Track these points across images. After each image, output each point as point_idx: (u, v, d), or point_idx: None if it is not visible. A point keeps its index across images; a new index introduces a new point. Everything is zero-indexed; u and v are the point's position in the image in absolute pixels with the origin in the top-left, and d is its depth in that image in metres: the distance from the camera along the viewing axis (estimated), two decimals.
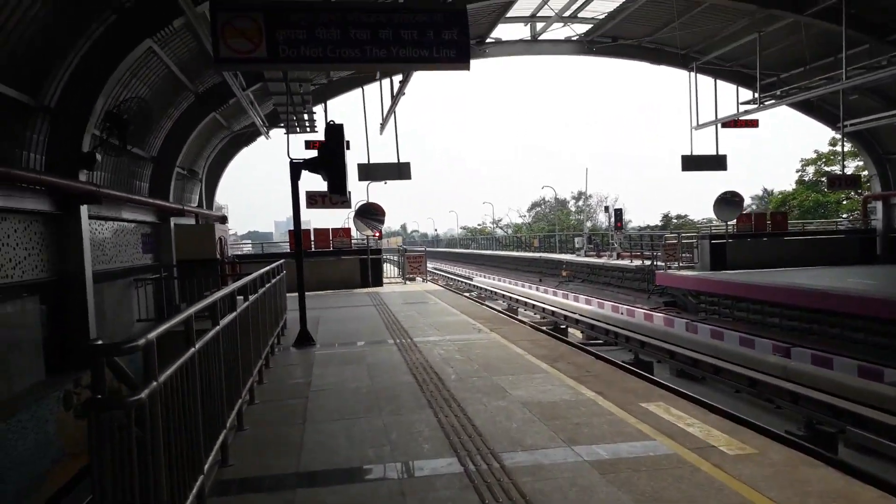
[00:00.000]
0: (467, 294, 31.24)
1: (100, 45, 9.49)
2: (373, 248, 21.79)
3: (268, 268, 9.85)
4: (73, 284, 9.18)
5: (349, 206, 18.90)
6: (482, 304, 23.36)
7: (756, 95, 23.40)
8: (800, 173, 38.18)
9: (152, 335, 2.89)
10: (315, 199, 17.92)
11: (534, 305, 24.35)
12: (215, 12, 6.41)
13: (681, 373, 14.47)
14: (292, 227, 25.24)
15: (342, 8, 6.77)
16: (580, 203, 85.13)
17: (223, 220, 20.62)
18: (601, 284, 31.99)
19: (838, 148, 36.41)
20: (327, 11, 6.69)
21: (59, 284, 9.05)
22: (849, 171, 36.30)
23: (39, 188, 8.27)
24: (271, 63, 6.76)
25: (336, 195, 10.46)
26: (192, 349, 3.75)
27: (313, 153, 10.44)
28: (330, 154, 9.96)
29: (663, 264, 24.41)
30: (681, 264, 23.84)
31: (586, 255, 36.32)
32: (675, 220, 50.82)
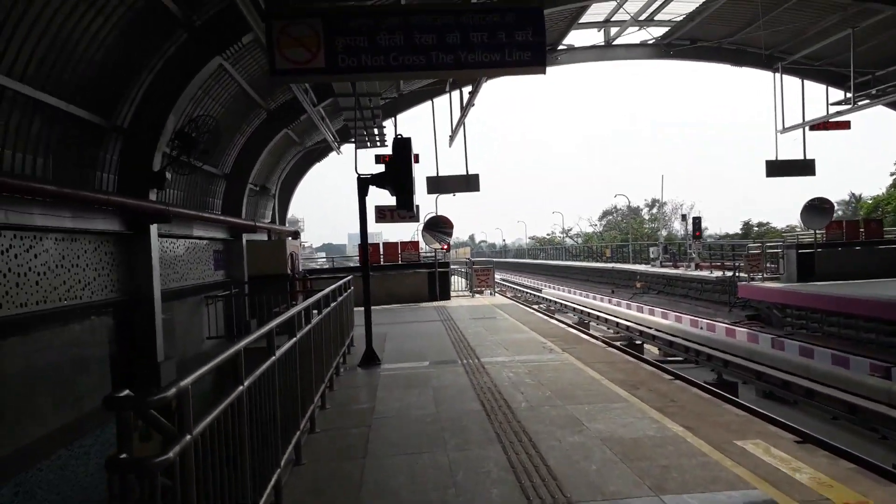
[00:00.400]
0: (536, 307, 30.58)
1: (171, 65, 9.56)
2: (441, 262, 21.52)
3: (332, 287, 9.67)
4: (141, 304, 9.23)
5: (417, 220, 18.73)
6: (551, 317, 22.74)
7: (848, 95, 21.92)
8: (894, 176, 35.60)
9: (186, 382, 2.60)
10: (384, 214, 17.81)
11: (606, 319, 23.51)
12: (270, 19, 6.08)
13: (768, 394, 13.52)
14: (387, 242, 25.38)
15: (405, 11, 6.29)
16: (654, 211, 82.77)
17: (295, 235, 20.81)
18: (678, 297, 30.70)
19: None
20: (390, 15, 6.18)
21: (128, 304, 9.11)
22: None
23: (110, 208, 8.32)
24: (330, 74, 6.32)
25: (403, 210, 10.19)
26: (240, 388, 3.46)
27: (382, 168, 10.20)
28: (397, 169, 9.70)
29: (746, 275, 23.10)
30: (765, 275, 22.49)
31: (662, 266, 35.00)
32: (756, 229, 48.43)
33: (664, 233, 74.16)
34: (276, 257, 16.10)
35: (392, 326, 14.99)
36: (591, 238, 78.51)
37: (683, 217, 33.73)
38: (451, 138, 19.34)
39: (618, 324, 22.04)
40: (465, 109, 17.46)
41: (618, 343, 18.51)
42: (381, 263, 21.19)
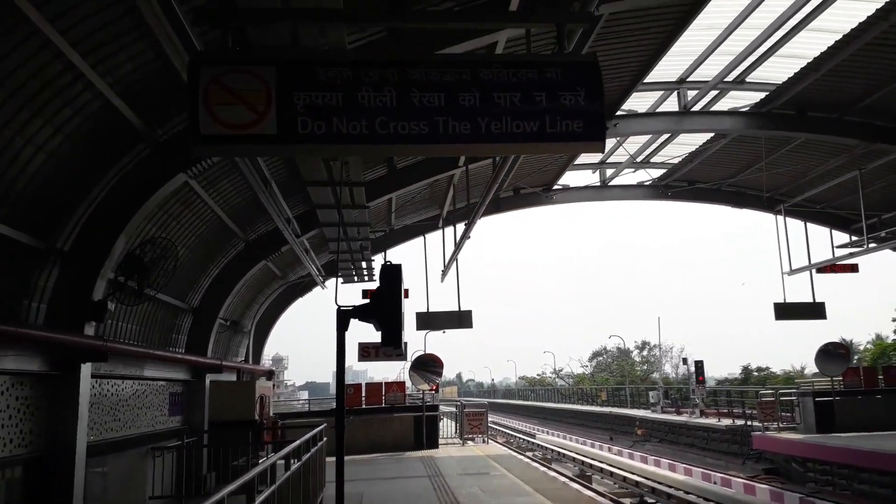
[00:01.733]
0: (530, 454, 28.13)
1: (128, 180, 8.41)
2: (429, 404, 19.64)
3: (295, 444, 7.98)
4: (60, 460, 7.44)
5: (405, 359, 17.19)
6: (549, 467, 20.43)
7: (854, 238, 21.33)
8: None
9: None
10: (367, 352, 16.22)
11: (612, 473, 21.24)
12: (197, 67, 4.26)
13: None
14: (369, 382, 23.52)
15: (401, 62, 4.38)
16: (644, 353, 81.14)
17: (269, 375, 19.06)
18: (683, 445, 28.41)
19: None
20: (378, 66, 4.33)
21: (43, 461, 7.32)
22: None
23: (27, 343, 6.79)
24: (284, 143, 4.34)
25: (390, 348, 8.65)
26: None
27: (367, 300, 8.81)
28: (384, 300, 8.29)
29: (760, 424, 21.23)
30: (781, 425, 20.65)
31: (663, 412, 32.89)
32: (756, 374, 46.82)
33: (657, 375, 72.06)
34: (242, 401, 14.30)
35: (371, 484, 12.95)
36: (582, 379, 76.09)
37: (684, 360, 32.23)
38: (444, 273, 18.17)
39: (625, 478, 19.81)
40: (459, 242, 16.41)
41: (627, 501, 16.34)
42: (364, 406, 19.28)
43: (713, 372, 32.67)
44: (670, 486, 18.31)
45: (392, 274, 8.69)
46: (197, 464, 12.84)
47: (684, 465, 22.50)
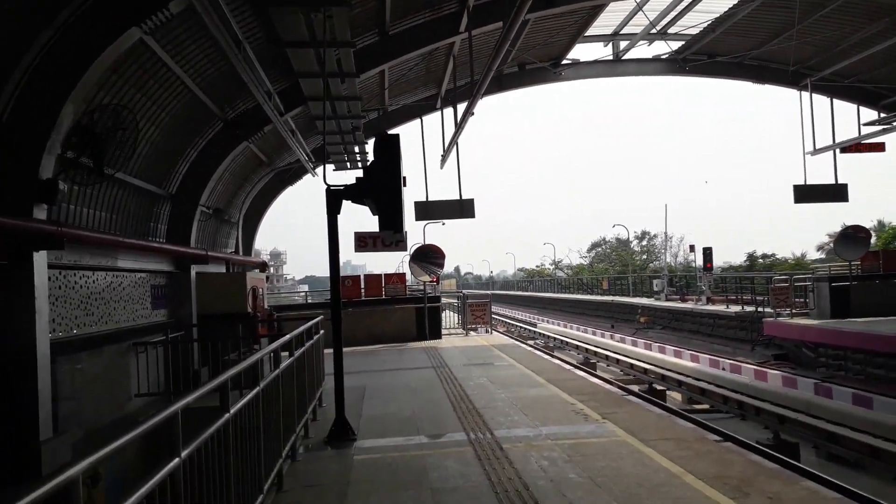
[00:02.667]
0: (531, 343, 27.93)
1: (71, 36, 7.01)
2: (430, 296, 18.91)
3: (292, 334, 7.06)
4: (16, 360, 6.52)
5: (405, 249, 16.20)
6: (552, 355, 20.04)
7: (882, 115, 19.87)
8: None
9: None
10: (364, 242, 15.19)
11: (618, 360, 20.90)
12: None
13: (832, 456, 11.01)
14: (345, 274, 22.73)
15: None
16: (644, 243, 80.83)
17: (262, 266, 18.15)
18: (687, 332, 28.18)
19: None
20: None
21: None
22: None
23: None
24: None
25: (388, 232, 7.57)
26: None
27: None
28: (379, 176, 7.15)
29: (772, 310, 20.67)
30: (794, 311, 20.08)
31: (667, 299, 32.56)
32: (762, 260, 46.25)
33: (656, 265, 71.95)
34: (233, 293, 13.40)
35: (373, 376, 12.30)
36: (582, 270, 76.16)
37: (692, 247, 31.49)
38: (444, 158, 16.89)
39: (632, 365, 19.43)
40: (460, 123, 15.01)
41: (635, 388, 15.89)
42: (363, 298, 18.54)
43: (716, 260, 32.02)
44: (679, 373, 17.90)
45: (388, 146, 7.45)
46: (187, 359, 12.09)
47: (691, 352, 22.17)
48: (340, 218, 7.74)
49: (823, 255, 70.04)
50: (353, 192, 7.30)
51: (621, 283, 43.16)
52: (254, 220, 18.76)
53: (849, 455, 10.24)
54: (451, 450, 6.80)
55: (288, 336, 7.12)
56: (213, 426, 3.88)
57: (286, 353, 6.79)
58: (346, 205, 7.65)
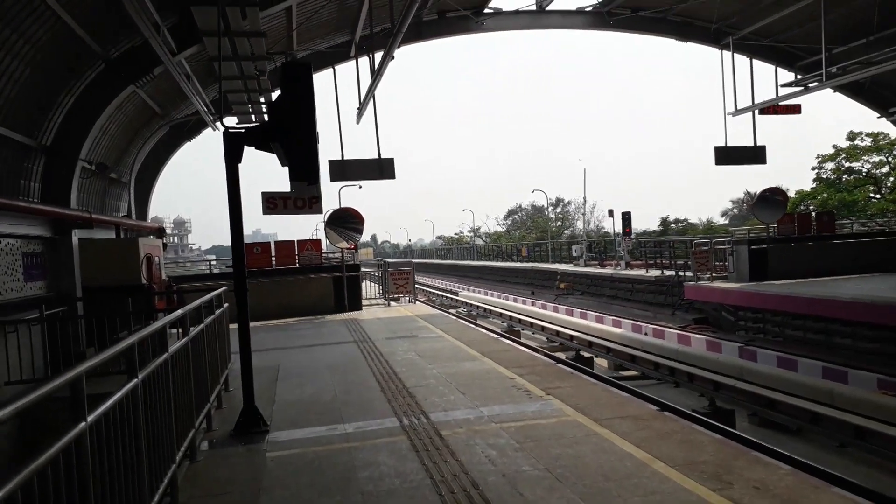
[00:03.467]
0: (453, 311, 27.25)
1: None
2: (349, 264, 17.70)
3: (182, 311, 5.80)
4: None
5: (320, 211, 14.86)
6: (476, 324, 19.38)
7: (798, 77, 20.03)
8: (816, 171, 34.88)
9: None
10: (273, 203, 13.72)
11: (543, 327, 20.45)
12: None
13: (765, 422, 10.82)
14: (254, 242, 21.10)
15: None
16: (558, 210, 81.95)
17: (159, 232, 16.36)
18: (606, 298, 28.25)
19: (859, 142, 33.42)
20: None
21: None
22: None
23: None
24: None
25: (302, 184, 6.35)
26: None
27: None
28: (289, 113, 5.91)
29: (692, 274, 20.71)
30: (713, 274, 20.17)
31: (586, 265, 32.58)
32: (674, 225, 47.31)
33: (571, 231, 73.00)
34: (124, 261, 11.81)
35: (288, 353, 11.09)
36: (499, 237, 76.37)
37: (611, 212, 31.47)
38: (360, 112, 15.57)
39: (558, 332, 18.99)
40: (377, 72, 13.75)
41: (561, 355, 15.41)
42: (274, 267, 17.11)
43: (633, 226, 32.16)
44: (606, 339, 17.60)
45: (298, 76, 6.13)
46: (71, 339, 10.48)
47: (614, 318, 22.06)
48: (246, 179, 6.50)
49: (727, 221, 73.18)
50: (257, 135, 6.05)
51: (540, 250, 43.14)
52: (148, 180, 16.87)
53: (790, 422, 9.99)
54: (383, 440, 5.78)
55: (180, 311, 5.86)
56: (60, 442, 2.71)
57: (179, 329, 5.56)
58: (254, 163, 6.41)
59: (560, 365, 9.10)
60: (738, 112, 19.28)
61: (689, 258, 22.09)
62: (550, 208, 79.50)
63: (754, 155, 19.79)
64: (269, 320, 15.95)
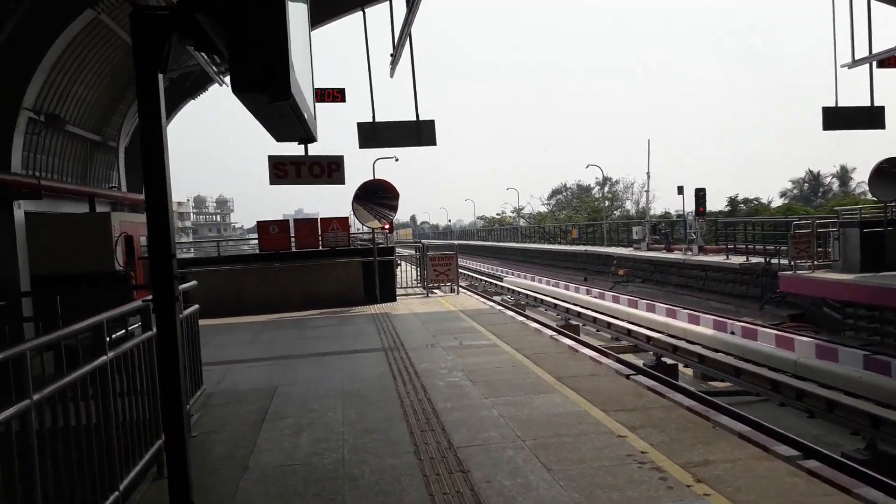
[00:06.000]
0: (499, 299, 24.29)
1: None
2: (382, 247, 14.92)
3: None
4: None
5: (342, 180, 11.95)
6: (526, 316, 16.44)
7: None
8: None
9: None
10: (283, 169, 10.91)
11: (609, 324, 17.40)
12: None
13: None
14: (299, 218, 18.39)
15: None
16: (605, 189, 77.91)
17: None
18: (673, 287, 24.94)
19: None
20: None
21: None
22: None
23: None
24: None
25: (259, 100, 3.39)
26: None
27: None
28: None
29: (790, 262, 17.36)
30: (815, 262, 16.80)
31: (649, 249, 29.21)
32: (743, 206, 43.34)
33: (618, 213, 68.99)
34: (91, 243, 9.22)
35: (293, 366, 8.34)
36: (544, 218, 72.84)
37: (680, 189, 27.89)
38: (394, 60, 12.64)
39: (629, 331, 15.94)
40: (412, 8, 10.78)
41: (635, 361, 12.43)
42: (294, 250, 14.43)
43: (688, 205, 28.55)
44: (691, 341, 14.52)
45: None
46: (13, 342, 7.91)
47: (688, 311, 18.84)
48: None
49: (787, 202, 68.21)
50: (187, 7, 3.17)
51: (590, 232, 39.79)
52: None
53: None
54: None
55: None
56: None
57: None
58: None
59: (681, 402, 6.09)
60: (856, 63, 15.74)
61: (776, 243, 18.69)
62: (598, 188, 75.55)
63: (870, 117, 16.25)
64: (287, 313, 13.31)
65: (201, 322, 11.79)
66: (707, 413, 5.87)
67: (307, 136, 4.29)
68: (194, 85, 13.71)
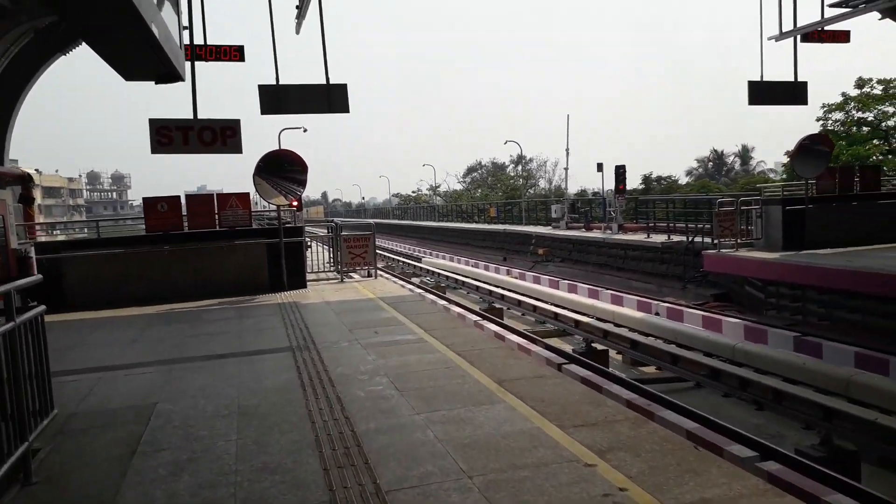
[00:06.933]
0: (417, 281, 23.25)
1: None
2: (289, 226, 13.44)
3: None
4: None
5: (238, 149, 10.32)
6: (448, 300, 15.40)
7: None
8: (822, 122, 31.52)
9: None
10: (167, 136, 9.26)
11: (534, 307, 16.64)
12: None
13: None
14: (192, 194, 16.43)
15: None
16: (519, 168, 78.12)
17: (22, 179, 11.78)
18: (593, 266, 24.60)
19: (867, 89, 30.15)
20: None
21: None
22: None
23: None
24: None
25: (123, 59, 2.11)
26: None
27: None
28: None
29: (714, 241, 17.12)
30: (739, 241, 16.60)
31: (568, 228, 28.83)
32: (656, 184, 43.92)
33: (532, 192, 69.23)
34: None
35: (179, 375, 6.88)
36: (460, 196, 72.17)
37: (599, 166, 27.52)
38: (300, 14, 11.14)
39: (556, 315, 15.21)
40: None
41: (561, 345, 11.64)
42: (186, 230, 12.72)
43: (608, 184, 28.35)
44: (618, 324, 13.96)
45: None
46: None
47: (611, 292, 18.40)
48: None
49: (692, 180, 70.54)
50: None
51: (509, 209, 39.25)
52: (6, 109, 12.09)
53: None
54: None
55: None
56: None
57: None
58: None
59: (651, 414, 5.15)
60: (782, 36, 15.48)
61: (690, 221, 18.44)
62: (512, 166, 75.55)
63: (793, 92, 16.10)
64: (179, 303, 11.67)
65: (77, 316, 9.98)
66: (680, 422, 4.95)
67: (168, 72, 2.95)
68: (65, 37, 11.62)
